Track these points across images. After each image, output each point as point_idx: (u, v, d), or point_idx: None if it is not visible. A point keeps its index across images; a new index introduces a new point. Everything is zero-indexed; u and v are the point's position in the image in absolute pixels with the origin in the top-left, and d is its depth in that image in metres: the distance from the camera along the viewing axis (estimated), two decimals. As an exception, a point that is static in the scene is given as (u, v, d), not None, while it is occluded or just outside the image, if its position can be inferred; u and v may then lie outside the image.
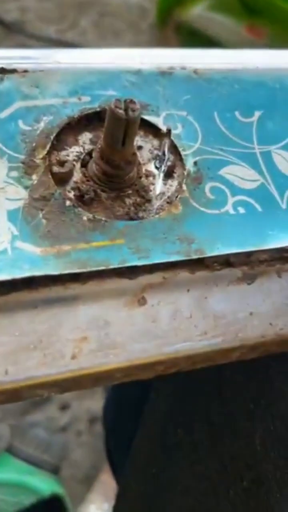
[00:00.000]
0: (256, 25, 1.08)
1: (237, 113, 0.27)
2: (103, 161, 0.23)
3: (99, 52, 0.28)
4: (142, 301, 0.22)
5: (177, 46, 1.10)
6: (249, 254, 0.23)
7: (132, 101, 0.21)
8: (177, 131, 0.26)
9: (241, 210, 0.24)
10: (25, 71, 0.26)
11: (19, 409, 0.74)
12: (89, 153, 0.25)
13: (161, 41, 1.12)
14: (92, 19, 1.14)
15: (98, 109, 0.25)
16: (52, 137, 0.24)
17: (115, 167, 0.23)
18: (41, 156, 0.24)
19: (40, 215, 0.22)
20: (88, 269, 0.21)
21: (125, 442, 0.40)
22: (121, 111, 0.21)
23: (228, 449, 0.29)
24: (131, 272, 0.22)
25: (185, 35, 1.11)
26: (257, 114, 0.28)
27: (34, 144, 0.24)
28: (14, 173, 0.23)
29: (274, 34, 1.08)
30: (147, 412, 0.36)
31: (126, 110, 0.21)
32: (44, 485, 0.62)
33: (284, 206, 0.25)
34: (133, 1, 1.17)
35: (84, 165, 0.24)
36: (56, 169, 0.23)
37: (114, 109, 0.21)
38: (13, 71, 0.26)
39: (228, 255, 0.23)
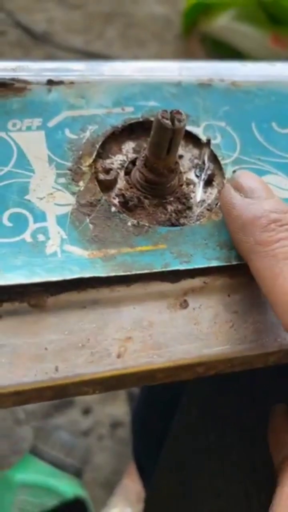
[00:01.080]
0: (281, 35, 1.09)
1: (274, 124, 0.28)
2: (147, 169, 0.24)
3: (140, 65, 0.29)
4: (184, 304, 0.22)
5: (202, 57, 1.11)
6: None
7: (178, 112, 0.22)
8: (216, 141, 0.27)
9: (279, 218, 0.25)
10: (72, 82, 0.27)
11: (43, 412, 0.75)
12: (133, 162, 0.26)
13: (186, 52, 1.13)
14: (118, 30, 1.16)
15: (141, 119, 0.26)
16: (97, 146, 0.25)
17: (159, 175, 0.24)
18: (87, 163, 0.25)
19: (87, 220, 0.23)
20: (133, 272, 0.22)
21: (154, 446, 0.41)
22: (168, 121, 0.22)
23: (260, 454, 0.30)
24: (174, 276, 0.22)
25: (210, 46, 1.13)
26: (293, 125, 0.29)
27: (80, 152, 0.25)
28: (62, 180, 0.24)
29: (298, 44, 1.09)
30: (178, 416, 0.36)
31: (172, 120, 0.22)
32: (67, 487, 0.62)
33: None
34: (159, 12, 1.19)
35: (127, 173, 0.25)
36: (101, 176, 0.24)
37: (161, 120, 0.22)
38: (60, 82, 0.27)
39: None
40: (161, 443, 0.38)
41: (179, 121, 0.22)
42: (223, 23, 1.08)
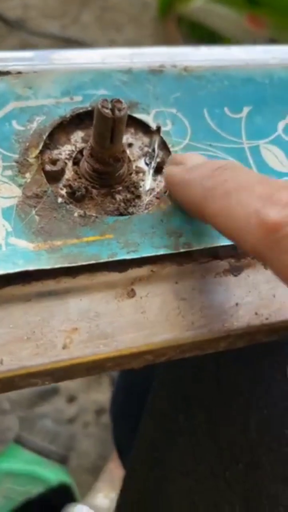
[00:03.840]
0: (257, 15, 1.08)
1: (226, 109, 0.28)
2: (93, 159, 0.24)
3: (91, 52, 0.29)
4: (131, 293, 0.22)
5: (179, 39, 1.10)
6: (235, 247, 0.24)
7: (118, 101, 0.22)
8: (167, 128, 0.27)
9: (229, 204, 0.25)
10: (19, 72, 0.27)
11: (27, 401, 0.75)
12: (81, 151, 0.25)
13: (163, 35, 1.12)
14: (94, 14, 1.15)
15: (89, 109, 0.26)
16: (44, 137, 0.25)
17: (105, 165, 0.24)
18: (34, 155, 0.24)
19: (33, 212, 0.23)
20: (79, 263, 0.22)
21: (131, 429, 0.41)
22: (108, 111, 0.22)
23: (225, 434, 0.30)
24: (121, 265, 0.23)
25: (187, 28, 1.11)
26: (246, 109, 0.28)
27: (27, 144, 0.25)
28: (8, 172, 0.24)
29: (274, 24, 1.08)
30: (150, 400, 0.37)
31: (112, 109, 0.22)
32: (52, 474, 0.63)
33: (271, 199, 0.26)
34: (135, -5, 1.17)
35: (76, 163, 0.25)
36: (48, 167, 0.24)
37: (101, 109, 0.22)
38: (7, 73, 0.26)
39: (215, 247, 0.24)
40: (138, 427, 0.38)
41: (119, 110, 0.22)
42: (199, 4, 1.06)
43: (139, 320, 0.22)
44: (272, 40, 1.03)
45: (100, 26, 1.12)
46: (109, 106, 0.22)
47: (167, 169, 0.24)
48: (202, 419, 0.32)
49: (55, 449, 0.65)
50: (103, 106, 0.22)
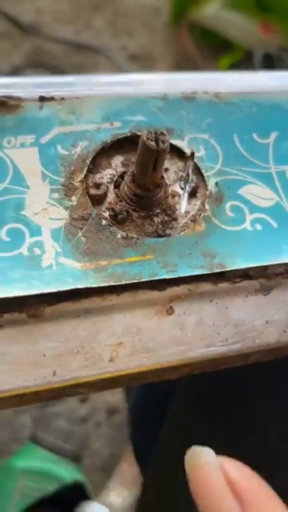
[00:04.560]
0: (269, 23, 1.09)
1: (254, 135, 0.30)
2: (135, 184, 0.26)
3: (127, 78, 0.31)
4: (170, 311, 0.24)
5: (191, 45, 1.11)
6: (265, 267, 0.26)
7: (162, 133, 0.24)
8: (200, 153, 0.28)
9: (258, 226, 0.27)
10: (62, 98, 0.28)
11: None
12: (121, 176, 0.27)
13: (175, 41, 1.13)
14: (106, 19, 1.16)
15: (128, 134, 0.28)
16: (88, 161, 0.27)
17: (146, 190, 0.26)
18: (79, 179, 0.26)
19: (80, 234, 0.25)
20: (123, 282, 0.24)
21: (151, 433, 0.43)
22: (153, 143, 0.23)
23: (245, 444, 0.32)
24: (160, 284, 0.24)
25: (199, 34, 1.13)
26: (273, 135, 0.30)
27: (72, 168, 0.26)
28: (56, 195, 0.26)
29: (286, 31, 1.09)
30: (172, 409, 0.39)
31: (156, 141, 0.24)
32: (66, 472, 0.65)
33: (297, 222, 0.28)
34: (147, 1, 1.19)
35: (116, 186, 0.27)
36: (92, 191, 0.26)
37: (146, 141, 0.23)
38: (51, 99, 0.28)
39: (247, 268, 0.25)
40: (158, 431, 0.40)
41: (163, 142, 0.24)
42: (212, 11, 1.08)
43: (178, 336, 0.24)
44: (284, 48, 1.04)
45: (112, 32, 1.14)
46: (153, 137, 0.24)
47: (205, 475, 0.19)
48: (222, 430, 0.34)
49: (69, 448, 0.67)
50: (148, 138, 0.23)
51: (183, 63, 1.02)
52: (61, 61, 0.84)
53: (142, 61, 0.96)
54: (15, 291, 0.23)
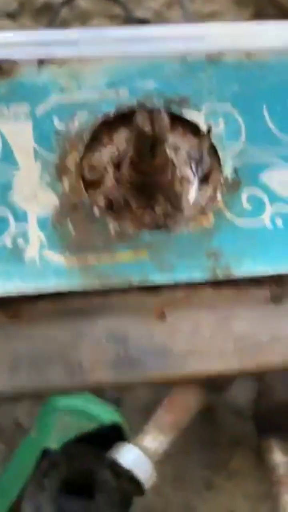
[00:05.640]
0: None
1: (291, 104, 0.25)
2: (134, 169, 0.23)
3: (143, 33, 0.26)
4: (161, 317, 0.22)
5: None
6: (280, 274, 0.22)
7: (159, 113, 0.20)
8: (218, 128, 0.24)
9: (279, 222, 0.23)
10: (63, 61, 0.25)
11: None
12: (123, 155, 0.24)
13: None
14: None
15: (135, 106, 0.24)
16: (85, 139, 0.24)
17: (146, 175, 0.23)
18: (74, 160, 0.23)
19: (69, 223, 0.22)
20: (111, 284, 0.22)
21: None
22: (147, 128, 0.20)
23: None
24: (153, 288, 0.22)
25: None
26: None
27: (68, 146, 0.24)
28: (47, 178, 0.23)
29: None
30: None
31: (152, 122, 0.20)
32: (105, 414, 0.68)
33: None
34: None
35: (117, 167, 0.24)
36: (87, 175, 0.23)
37: (139, 124, 0.20)
38: (51, 61, 0.25)
39: (257, 273, 0.22)
40: None
41: (161, 126, 0.20)
42: None
43: (167, 346, 0.22)
44: None
45: None
46: (148, 119, 0.20)
47: None
48: None
49: (110, 391, 0.69)
50: (140, 120, 0.20)
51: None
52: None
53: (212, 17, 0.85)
54: (-7, 289, 0.21)
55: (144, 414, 0.75)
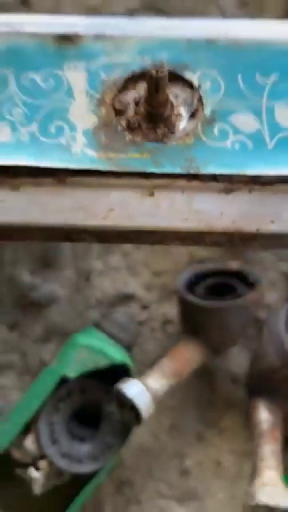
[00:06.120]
0: None
1: (257, 75, 0.37)
2: (147, 103, 0.36)
3: (169, 23, 0.39)
4: (151, 194, 0.35)
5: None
6: (231, 175, 0.35)
7: (162, 65, 0.33)
8: (205, 86, 0.37)
9: (237, 145, 0.36)
10: (111, 37, 0.38)
11: (109, 302, 0.92)
12: (140, 97, 0.37)
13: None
14: None
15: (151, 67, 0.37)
16: (118, 86, 0.37)
17: (154, 107, 0.36)
18: (109, 97, 0.37)
19: (102, 134, 0.36)
20: (123, 170, 0.35)
21: None
22: (154, 72, 0.33)
23: None
24: (149, 175, 0.35)
25: None
26: (273, 76, 0.37)
27: (107, 89, 0.37)
28: (92, 107, 0.37)
29: None
30: None
31: (157, 70, 0.33)
32: (118, 355, 0.79)
33: (270, 147, 0.36)
34: None
35: (137, 104, 0.37)
36: (117, 105, 0.37)
37: (149, 70, 0.33)
38: (104, 36, 0.38)
39: (216, 173, 0.35)
40: None
41: (162, 72, 0.33)
42: None
43: (154, 212, 0.34)
44: None
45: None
46: (156, 68, 0.33)
47: None
48: None
49: (123, 337, 0.81)
50: (151, 68, 0.33)
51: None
52: (173, 6, 0.92)
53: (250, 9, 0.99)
54: (50, 164, 0.35)
55: (152, 365, 0.85)
